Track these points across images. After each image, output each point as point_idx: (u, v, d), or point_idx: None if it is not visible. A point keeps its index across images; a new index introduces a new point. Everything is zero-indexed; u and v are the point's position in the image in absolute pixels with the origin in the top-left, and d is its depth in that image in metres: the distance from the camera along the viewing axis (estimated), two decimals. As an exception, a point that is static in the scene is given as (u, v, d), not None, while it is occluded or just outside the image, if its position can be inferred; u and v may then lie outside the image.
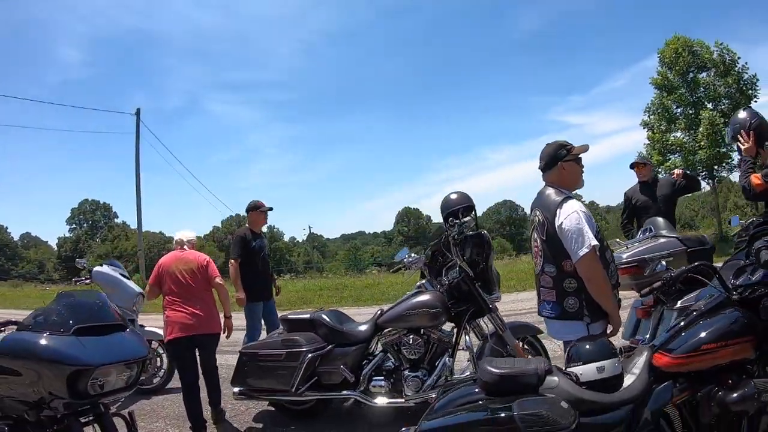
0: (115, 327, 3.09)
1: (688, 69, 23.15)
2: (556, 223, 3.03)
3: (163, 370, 6.08)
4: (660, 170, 23.47)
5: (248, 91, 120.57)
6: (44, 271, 64.39)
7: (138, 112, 26.49)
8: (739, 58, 22.43)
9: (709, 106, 22.88)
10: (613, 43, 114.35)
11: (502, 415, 2.24)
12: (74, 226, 68.73)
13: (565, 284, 3.06)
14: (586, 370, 2.48)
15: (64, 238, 67.41)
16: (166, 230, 65.51)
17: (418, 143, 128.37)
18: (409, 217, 76.74)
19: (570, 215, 3.00)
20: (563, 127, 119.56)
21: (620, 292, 3.34)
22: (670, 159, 23.12)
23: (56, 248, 69.34)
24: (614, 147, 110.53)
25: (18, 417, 2.90)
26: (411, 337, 4.30)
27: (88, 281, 6.40)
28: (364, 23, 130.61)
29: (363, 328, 4.49)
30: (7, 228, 71.60)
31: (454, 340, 4.37)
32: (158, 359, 6.18)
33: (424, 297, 4.32)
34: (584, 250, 2.92)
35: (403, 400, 4.20)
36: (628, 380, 2.53)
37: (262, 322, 6.08)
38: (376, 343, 4.58)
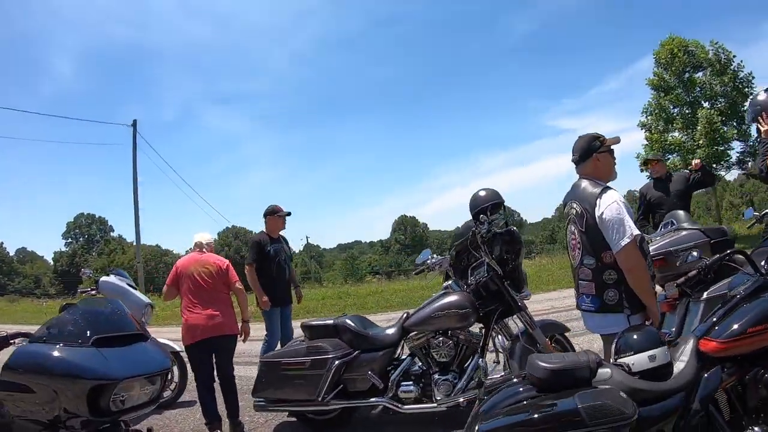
0: (135, 337, 2.92)
1: (684, 69, 23.28)
2: (597, 214, 3.03)
3: (174, 383, 5.89)
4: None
5: (242, 102, 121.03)
6: (40, 286, 63.97)
7: (134, 124, 26.21)
8: (734, 56, 22.60)
9: (706, 105, 22.99)
10: (604, 46, 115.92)
11: (566, 409, 2.20)
12: (70, 240, 68.56)
13: (605, 276, 3.05)
14: (638, 360, 2.48)
15: (60, 253, 67.20)
16: (162, 243, 65.42)
17: (412, 150, 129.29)
18: (405, 224, 76.67)
19: (610, 205, 2.99)
20: (557, 132, 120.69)
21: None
22: (669, 159, 23.12)
23: (52, 263, 69.02)
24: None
25: None
26: (440, 339, 4.19)
27: (94, 292, 6.20)
28: (357, 31, 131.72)
29: (390, 332, 4.35)
30: (2, 243, 71.31)
31: (483, 340, 4.27)
32: (169, 372, 6.03)
33: (452, 298, 4.21)
34: (626, 240, 2.92)
35: (434, 404, 4.07)
36: (677, 368, 2.54)
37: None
38: (402, 348, 4.46)
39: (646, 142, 24.17)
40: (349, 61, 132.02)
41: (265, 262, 5.92)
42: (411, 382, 4.20)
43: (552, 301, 10.55)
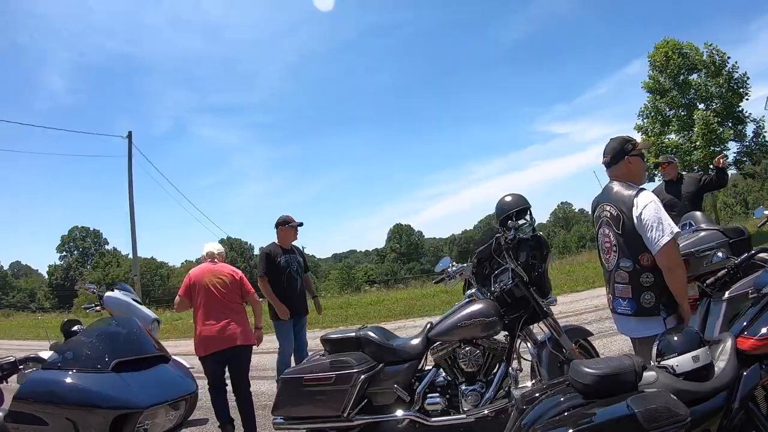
0: (156, 359, 2.76)
1: (679, 71, 23.33)
2: (634, 215, 3.03)
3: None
4: (656, 173, 23.62)
5: (234, 114, 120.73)
6: (35, 300, 63.44)
7: (129, 135, 26.00)
8: (729, 57, 22.66)
9: (701, 106, 23.07)
10: (594, 51, 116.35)
11: (622, 415, 2.18)
12: (65, 253, 67.87)
13: (642, 279, 3.05)
14: (682, 361, 2.50)
15: (54, 266, 66.53)
16: (157, 255, 64.97)
17: (405, 159, 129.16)
18: (401, 233, 76.59)
19: (648, 205, 3.01)
20: (549, 137, 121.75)
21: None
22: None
23: (47, 276, 68.42)
24: (600, 154, 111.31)
25: None
26: (467, 348, 4.08)
27: (98, 308, 6.05)
28: (347, 43, 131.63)
29: (414, 343, 4.23)
30: (-4, 257, 70.86)
31: (509, 349, 4.17)
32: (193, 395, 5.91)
33: (477, 306, 4.11)
34: (666, 238, 2.93)
35: (462, 416, 3.96)
36: (717, 368, 2.56)
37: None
38: (425, 359, 4.35)
39: (643, 145, 24.19)
40: (340, 73, 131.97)
41: (275, 273, 5.84)
42: (437, 394, 4.10)
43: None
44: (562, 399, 2.42)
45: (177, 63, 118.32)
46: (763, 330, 2.60)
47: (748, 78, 22.32)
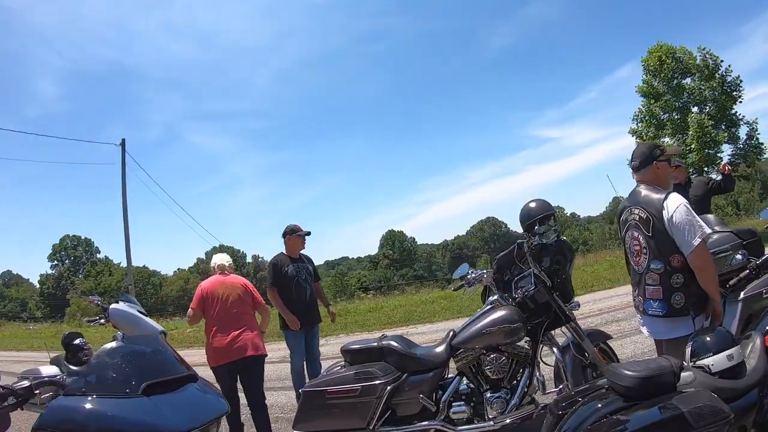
0: (184, 379, 2.58)
1: (673, 75, 23.49)
2: (665, 217, 3.12)
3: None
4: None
5: (227, 121, 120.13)
6: (27, 310, 62.83)
7: (123, 143, 25.66)
8: (722, 61, 22.83)
9: (695, 110, 23.27)
10: (583, 56, 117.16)
11: (672, 415, 2.23)
12: (56, 262, 67.30)
13: (673, 280, 3.14)
14: (718, 360, 2.57)
15: (46, 276, 66.01)
16: (149, 263, 64.53)
17: (397, 165, 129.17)
18: (393, 239, 76.54)
19: (678, 207, 3.10)
20: (541, 141, 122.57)
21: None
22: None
23: (38, 286, 67.81)
24: (591, 158, 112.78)
25: None
26: (493, 355, 4.03)
27: (102, 321, 5.92)
28: (339, 49, 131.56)
29: (438, 351, 4.16)
30: (-13, 267, 70.20)
31: (533, 354, 4.14)
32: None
33: (501, 312, 4.05)
34: (698, 240, 3.03)
35: (490, 423, 3.90)
36: (749, 366, 2.64)
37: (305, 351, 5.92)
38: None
39: (637, 149, 24.36)
40: (332, 79, 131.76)
41: (284, 283, 5.80)
42: (462, 403, 4.03)
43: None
44: (600, 405, 2.44)
45: (168, 70, 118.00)
46: None
47: (741, 81, 22.52)
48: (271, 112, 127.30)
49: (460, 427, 3.95)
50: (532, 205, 4.35)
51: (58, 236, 69.88)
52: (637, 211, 3.31)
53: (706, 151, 21.74)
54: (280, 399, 6.46)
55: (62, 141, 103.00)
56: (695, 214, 3.13)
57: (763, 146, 22.71)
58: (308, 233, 6.10)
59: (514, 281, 4.36)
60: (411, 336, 9.62)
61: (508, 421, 3.88)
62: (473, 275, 4.63)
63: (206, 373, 4.68)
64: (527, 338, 4.19)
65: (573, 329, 4.18)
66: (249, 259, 72.37)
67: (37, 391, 2.51)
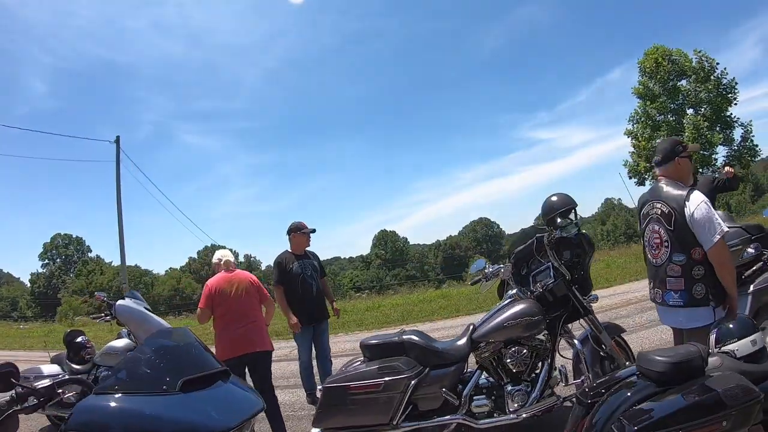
0: (216, 375, 2.43)
1: (669, 77, 23.69)
2: (687, 213, 3.25)
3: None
4: (647, 177, 23.99)
5: (217, 121, 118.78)
6: (17, 309, 62.25)
7: (117, 140, 25.41)
8: (717, 64, 23.11)
9: (690, 112, 23.48)
10: (574, 59, 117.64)
11: (707, 395, 2.32)
12: (47, 261, 66.72)
13: (694, 272, 3.27)
14: (742, 346, 2.67)
15: (37, 274, 65.40)
16: (141, 263, 64.10)
17: (389, 166, 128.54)
18: (386, 239, 76.50)
19: (699, 205, 3.24)
20: (532, 143, 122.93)
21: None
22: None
23: (29, 285, 67.20)
24: (582, 160, 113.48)
25: None
26: (515, 348, 4.03)
27: (108, 318, 5.82)
28: (330, 50, 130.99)
29: (459, 344, 4.14)
30: (-24, 266, 69.53)
31: (552, 347, 4.16)
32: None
33: (521, 306, 4.07)
34: (717, 236, 3.17)
35: (513, 416, 3.90)
36: None
37: (315, 347, 5.96)
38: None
39: (633, 150, 24.63)
40: (323, 80, 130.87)
41: (289, 281, 5.81)
42: (483, 396, 4.03)
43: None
44: (629, 393, 2.51)
45: (158, 68, 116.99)
46: None
47: (736, 83, 22.86)
48: (261, 111, 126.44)
49: (481, 421, 3.95)
50: (554, 198, 4.36)
51: (50, 234, 69.46)
52: (659, 206, 3.42)
53: (702, 152, 21.93)
54: (287, 398, 6.38)
55: (50, 139, 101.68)
56: (715, 212, 3.26)
57: (757, 148, 22.94)
58: (313, 230, 6.09)
59: (531, 275, 4.37)
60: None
61: (529, 413, 3.89)
62: (491, 270, 4.64)
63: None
64: (546, 331, 4.19)
65: (591, 322, 4.23)
66: (242, 258, 72.06)
67: (60, 391, 2.37)
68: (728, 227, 4.71)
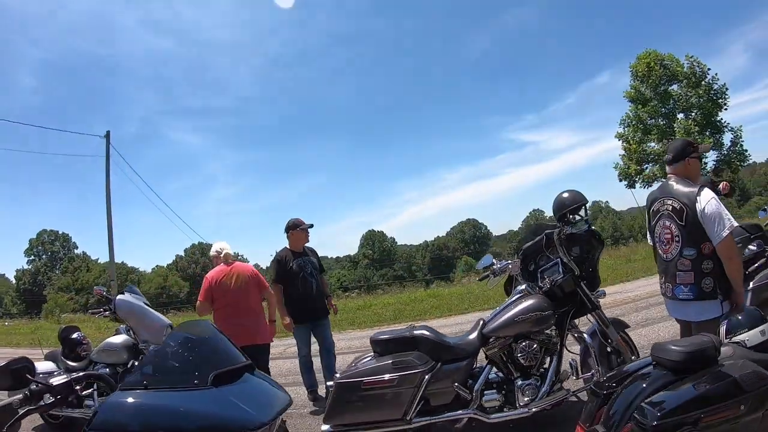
0: (242, 369, 2.35)
1: (660, 82, 23.92)
2: (698, 209, 3.37)
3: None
4: (637, 180, 24.20)
5: (204, 118, 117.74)
6: (2, 305, 61.50)
7: (108, 135, 25.10)
8: (709, 69, 23.37)
9: (680, 116, 23.71)
10: (562, 63, 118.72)
11: (726, 381, 2.42)
12: (33, 257, 65.96)
13: (703, 266, 3.38)
14: (752, 336, 2.78)
15: (22, 271, 64.58)
16: (128, 260, 63.50)
17: (376, 167, 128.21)
18: (373, 239, 76.48)
19: (710, 201, 3.37)
20: (519, 146, 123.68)
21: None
22: (647, 168, 23.99)
23: (14, 281, 66.45)
24: (570, 162, 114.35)
25: None
26: (525, 343, 4.05)
27: (107, 313, 5.66)
28: (319, 49, 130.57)
29: (470, 339, 4.14)
30: (-40, 262, 68.61)
31: (561, 342, 4.19)
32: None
33: (531, 301, 4.09)
34: (726, 231, 3.30)
35: (524, 410, 3.91)
36: None
37: (318, 343, 5.95)
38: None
39: (623, 153, 24.85)
40: (310, 79, 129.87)
41: (289, 279, 5.77)
42: (494, 390, 4.04)
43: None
44: (647, 383, 2.58)
45: (147, 65, 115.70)
46: None
47: (727, 89, 23.12)
48: (248, 110, 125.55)
49: (493, 415, 3.95)
50: (565, 195, 4.40)
51: (35, 231, 68.56)
52: (670, 202, 3.54)
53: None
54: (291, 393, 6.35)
55: (37, 133, 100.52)
56: (724, 208, 3.36)
57: (746, 153, 23.21)
58: (311, 225, 6.06)
59: (539, 271, 4.42)
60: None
61: (539, 407, 3.91)
62: (499, 266, 4.65)
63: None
64: (554, 326, 4.22)
65: (599, 317, 4.28)
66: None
67: (78, 388, 2.25)
68: None
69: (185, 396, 1.99)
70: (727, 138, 23.36)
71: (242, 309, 4.71)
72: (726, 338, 2.88)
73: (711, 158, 23.34)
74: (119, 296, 5.46)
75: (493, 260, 4.72)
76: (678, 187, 3.54)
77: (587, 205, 4.41)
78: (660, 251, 3.66)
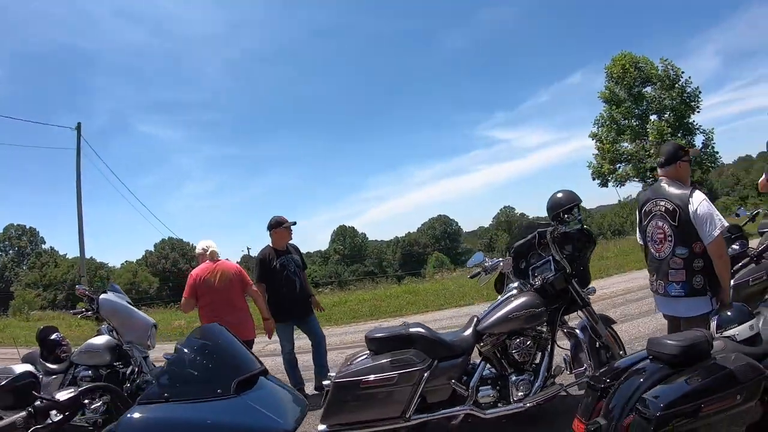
0: (257, 374, 2.21)
1: (634, 83, 24.36)
2: (691, 210, 3.50)
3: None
4: (610, 179, 24.57)
5: (177, 112, 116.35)
6: (-34, 302, 59.85)
7: (78, 127, 24.31)
8: (683, 72, 23.86)
9: (653, 118, 24.16)
10: (536, 62, 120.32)
11: (722, 372, 2.55)
12: None
13: (694, 264, 3.52)
14: (741, 330, 2.93)
15: (-12, 267, 63.01)
16: (96, 256, 62.15)
17: (347, 162, 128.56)
18: (344, 235, 76.44)
19: (701, 202, 3.51)
20: (491, 143, 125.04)
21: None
22: (620, 168, 24.40)
23: (-20, 278, 64.64)
24: (542, 160, 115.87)
25: None
26: (520, 339, 4.09)
27: (90, 313, 5.40)
28: (294, 44, 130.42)
29: (465, 336, 4.14)
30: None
31: (552, 338, 4.24)
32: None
33: (524, 298, 4.13)
34: (717, 231, 3.43)
35: (520, 405, 3.94)
36: (764, 335, 2.99)
37: (309, 339, 5.94)
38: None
39: (597, 152, 25.25)
40: (285, 74, 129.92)
41: (273, 278, 5.71)
42: (488, 386, 4.05)
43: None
44: (644, 376, 2.69)
45: (121, 56, 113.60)
46: None
47: (700, 92, 23.66)
48: (222, 104, 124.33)
49: (488, 411, 3.96)
50: (560, 195, 4.48)
51: (1, 225, 66.74)
52: (663, 203, 3.67)
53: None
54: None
55: (2, 124, 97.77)
56: (715, 209, 3.50)
57: (717, 155, 23.73)
58: (294, 223, 6.00)
59: (530, 268, 4.47)
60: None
61: (533, 402, 3.96)
62: (490, 263, 4.67)
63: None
64: (545, 322, 4.26)
65: (589, 313, 4.37)
66: (199, 250, 70.59)
67: (87, 401, 2.12)
68: None
69: (211, 407, 1.87)
70: (698, 140, 23.90)
71: (227, 306, 4.74)
72: (717, 333, 3.00)
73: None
74: (102, 296, 5.21)
75: (484, 258, 4.73)
76: (670, 189, 3.67)
77: (580, 205, 4.47)
78: (652, 250, 3.78)
